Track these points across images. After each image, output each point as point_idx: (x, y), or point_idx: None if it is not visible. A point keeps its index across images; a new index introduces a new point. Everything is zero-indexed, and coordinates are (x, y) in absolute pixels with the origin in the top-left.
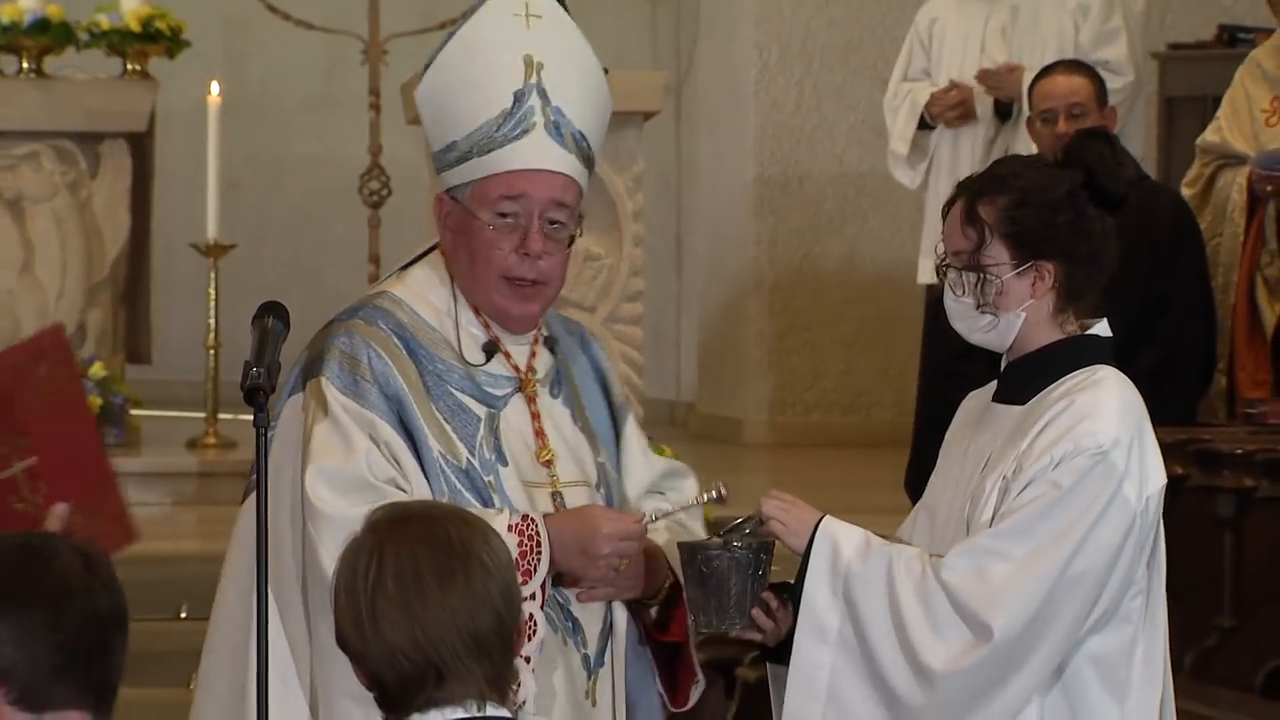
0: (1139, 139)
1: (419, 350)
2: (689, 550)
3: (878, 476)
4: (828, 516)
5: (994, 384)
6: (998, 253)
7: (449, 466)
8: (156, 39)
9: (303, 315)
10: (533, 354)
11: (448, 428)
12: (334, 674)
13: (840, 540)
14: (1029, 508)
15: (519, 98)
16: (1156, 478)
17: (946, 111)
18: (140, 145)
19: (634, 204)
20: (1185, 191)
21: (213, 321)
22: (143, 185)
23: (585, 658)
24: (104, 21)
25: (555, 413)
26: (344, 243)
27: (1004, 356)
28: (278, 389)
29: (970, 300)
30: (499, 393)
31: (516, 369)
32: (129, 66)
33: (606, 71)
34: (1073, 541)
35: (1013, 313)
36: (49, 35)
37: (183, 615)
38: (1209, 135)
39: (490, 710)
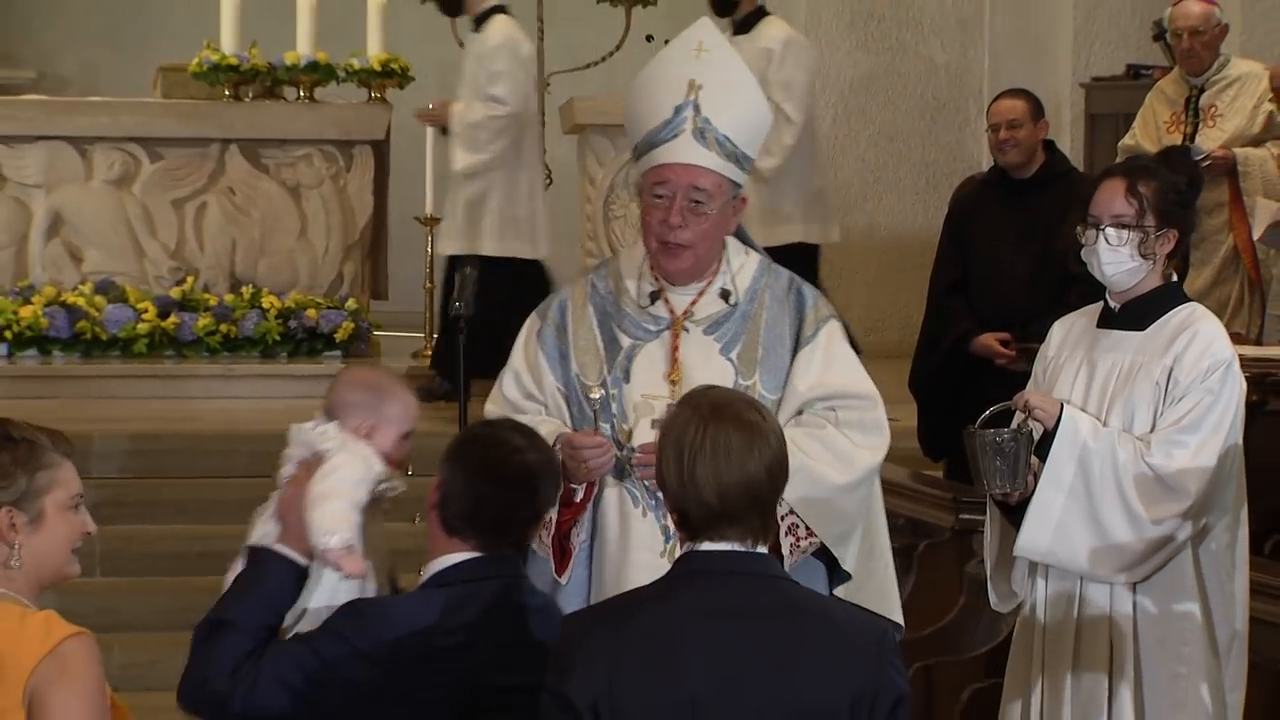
0: (1070, 145)
1: (605, 296)
2: (980, 437)
3: (884, 379)
4: (1067, 404)
5: (1081, 315)
6: (1150, 219)
7: (580, 386)
8: (391, 75)
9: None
10: (694, 301)
11: (603, 353)
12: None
13: (1080, 422)
14: (1196, 409)
15: (678, 110)
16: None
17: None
18: (380, 149)
19: None
20: None
21: (429, 270)
22: (382, 176)
23: (665, 528)
24: (355, 63)
25: (702, 346)
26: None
27: (1107, 294)
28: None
29: (1127, 250)
30: (653, 328)
31: (672, 311)
32: (372, 94)
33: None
34: (1225, 429)
35: (1149, 262)
36: (318, 73)
37: (409, 473)
38: (1126, 140)
39: (759, 549)
